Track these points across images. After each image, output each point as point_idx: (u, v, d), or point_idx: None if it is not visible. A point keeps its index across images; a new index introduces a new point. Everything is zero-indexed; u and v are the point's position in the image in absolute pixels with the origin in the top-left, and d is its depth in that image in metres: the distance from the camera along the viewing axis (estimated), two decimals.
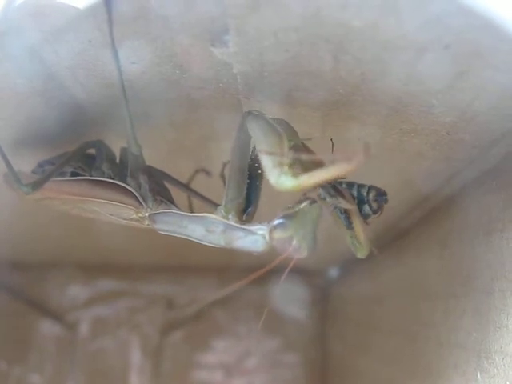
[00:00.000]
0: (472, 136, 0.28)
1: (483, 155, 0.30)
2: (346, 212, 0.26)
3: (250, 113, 0.25)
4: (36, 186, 0.28)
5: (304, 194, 0.26)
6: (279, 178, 0.22)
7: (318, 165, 0.24)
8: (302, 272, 0.67)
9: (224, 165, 0.31)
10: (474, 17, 0.17)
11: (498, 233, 0.29)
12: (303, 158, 0.23)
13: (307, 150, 0.25)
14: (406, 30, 0.19)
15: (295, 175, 0.22)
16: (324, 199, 0.25)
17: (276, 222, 0.25)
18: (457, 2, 0.17)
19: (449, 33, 0.19)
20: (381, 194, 0.26)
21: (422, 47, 0.20)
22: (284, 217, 0.24)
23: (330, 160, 0.22)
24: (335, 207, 0.26)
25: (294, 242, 0.24)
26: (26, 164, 0.31)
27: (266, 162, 0.22)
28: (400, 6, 0.18)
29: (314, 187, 0.24)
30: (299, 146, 0.24)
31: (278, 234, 0.25)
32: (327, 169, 0.22)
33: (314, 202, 0.25)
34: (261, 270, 0.25)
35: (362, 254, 0.26)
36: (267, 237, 0.25)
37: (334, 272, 0.68)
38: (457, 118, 0.26)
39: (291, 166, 0.22)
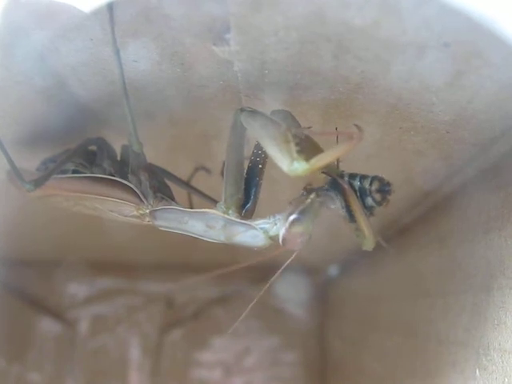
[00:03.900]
0: (472, 134, 0.28)
1: (483, 153, 0.30)
2: (347, 205, 0.26)
3: (242, 110, 0.25)
4: (38, 183, 0.28)
5: (305, 187, 0.26)
6: (292, 164, 0.22)
7: (320, 148, 0.25)
8: (301, 269, 0.67)
9: (224, 163, 0.31)
10: (469, 18, 0.17)
11: (497, 231, 0.29)
12: (308, 143, 0.24)
13: (308, 136, 0.25)
14: (407, 29, 0.20)
15: (306, 159, 0.22)
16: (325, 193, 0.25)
17: (292, 217, 0.25)
18: (452, 4, 0.17)
19: (447, 33, 0.20)
20: (384, 185, 0.25)
21: (422, 46, 0.21)
22: (300, 212, 0.25)
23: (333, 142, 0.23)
24: (334, 203, 0.26)
25: (305, 235, 0.25)
26: (28, 162, 0.31)
27: (275, 152, 0.23)
28: (400, 5, 0.18)
29: (325, 167, 0.24)
30: (301, 133, 0.24)
31: (295, 229, 0.25)
32: (333, 149, 0.23)
33: (318, 193, 0.25)
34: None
35: (367, 247, 0.26)
36: (282, 230, 0.25)
37: (333, 269, 0.68)
38: (456, 116, 0.26)
39: (300, 151, 0.22)
